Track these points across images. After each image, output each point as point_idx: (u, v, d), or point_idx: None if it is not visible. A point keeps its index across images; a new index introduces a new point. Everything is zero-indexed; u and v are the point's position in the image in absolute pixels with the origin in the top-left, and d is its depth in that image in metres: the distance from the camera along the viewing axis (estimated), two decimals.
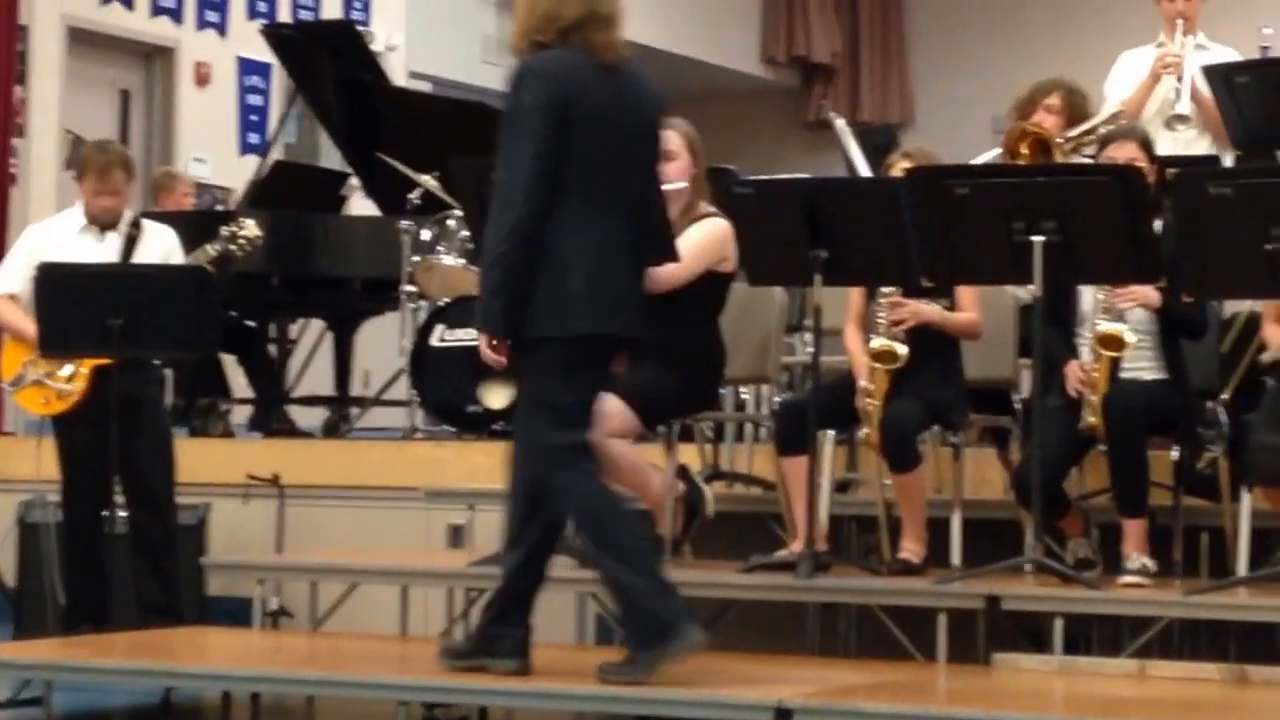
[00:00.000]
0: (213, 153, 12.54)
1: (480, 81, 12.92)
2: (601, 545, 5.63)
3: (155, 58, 12.43)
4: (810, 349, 6.88)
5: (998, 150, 8.21)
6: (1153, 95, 8.47)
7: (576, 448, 5.66)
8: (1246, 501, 6.59)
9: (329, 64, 10.38)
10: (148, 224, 8.16)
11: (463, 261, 9.09)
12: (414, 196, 9.56)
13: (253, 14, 12.72)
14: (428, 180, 9.49)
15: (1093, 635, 6.59)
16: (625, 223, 5.70)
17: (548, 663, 5.91)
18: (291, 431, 10.15)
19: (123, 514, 7.87)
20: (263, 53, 11.72)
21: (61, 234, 8.06)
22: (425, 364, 8.91)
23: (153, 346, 7.65)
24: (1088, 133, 8.00)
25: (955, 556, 6.85)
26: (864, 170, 8.96)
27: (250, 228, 8.23)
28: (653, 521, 7.25)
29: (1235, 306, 7.26)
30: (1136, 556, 6.53)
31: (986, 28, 15.33)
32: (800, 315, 8.48)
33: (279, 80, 12.40)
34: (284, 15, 12.86)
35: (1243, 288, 6.51)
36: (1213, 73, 8.06)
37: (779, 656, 6.64)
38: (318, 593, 7.29)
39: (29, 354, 7.81)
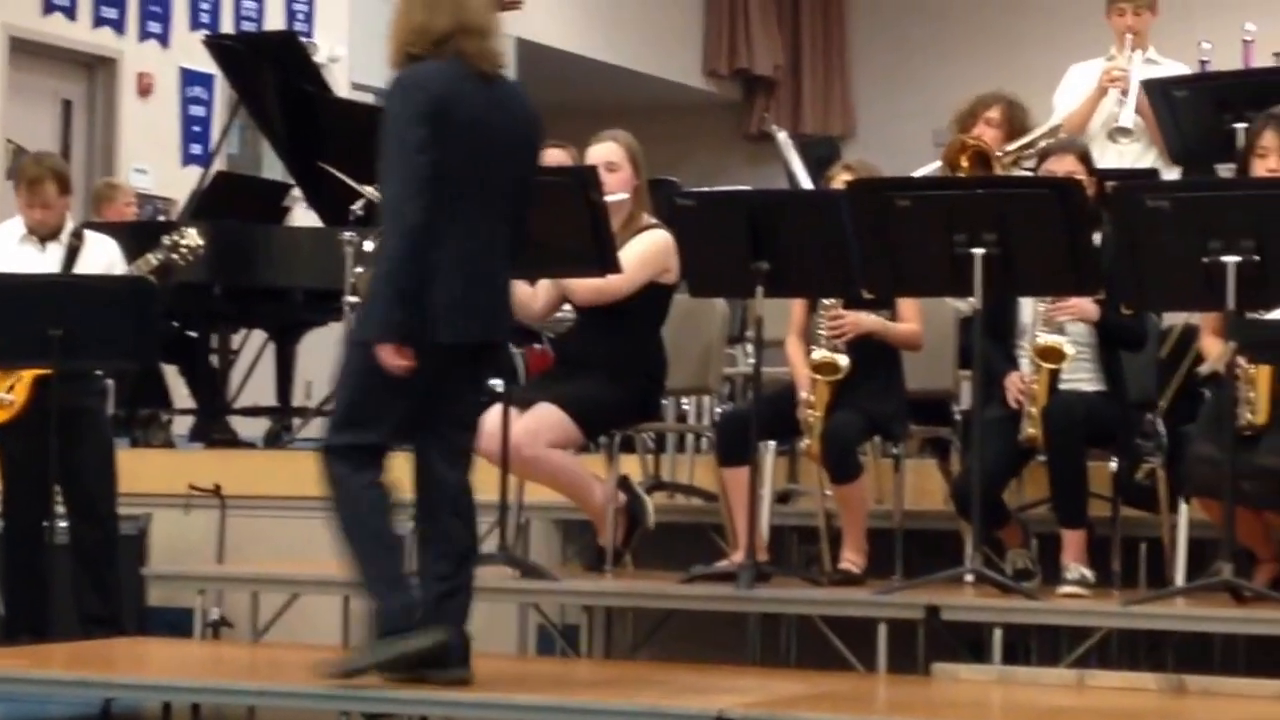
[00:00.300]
0: (155, 163, 12.50)
1: None
2: (350, 538, 5.69)
3: (97, 68, 12.39)
4: (751, 360, 6.91)
5: (938, 163, 8.26)
6: (1099, 109, 8.53)
7: (367, 448, 5.69)
8: (1184, 512, 6.63)
9: (272, 75, 10.36)
10: (89, 235, 8.14)
11: None
12: (357, 207, 9.54)
13: (195, 25, 12.69)
14: (370, 191, 9.47)
15: (1031, 645, 6.62)
16: (498, 231, 5.72)
17: (489, 672, 5.91)
18: (233, 442, 10.12)
19: (63, 524, 7.84)
20: (205, 63, 11.69)
21: (2, 244, 8.03)
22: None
23: (94, 357, 7.62)
24: (1028, 146, 8.06)
25: (895, 567, 6.88)
26: (805, 182, 8.99)
27: (192, 237, 8.22)
28: (595, 532, 7.28)
29: (1173, 318, 7.31)
30: (1075, 567, 6.58)
31: (928, 42, 15.39)
32: (742, 326, 8.51)
33: (221, 91, 12.37)
34: (226, 26, 12.83)
35: (1180, 300, 6.56)
36: (1151, 87, 8.12)
37: (720, 666, 6.65)
38: (259, 603, 7.27)
39: None
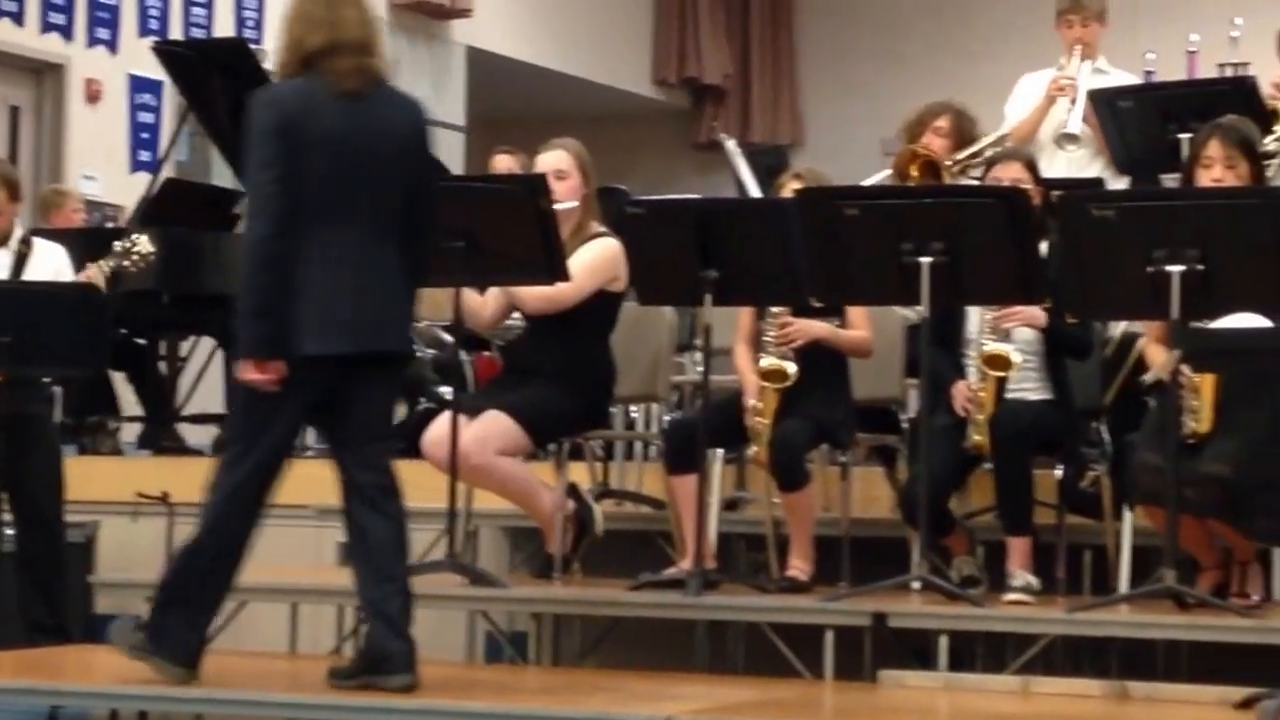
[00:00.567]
0: (103, 170, 12.45)
1: None
2: (199, 546, 5.76)
3: (45, 74, 12.34)
4: (700, 368, 6.92)
5: (888, 172, 8.30)
6: (1048, 118, 8.58)
7: (253, 464, 5.74)
8: (1128, 520, 6.68)
9: (221, 82, 10.33)
10: (38, 241, 8.12)
11: None
12: None
13: (144, 31, 12.65)
14: None
15: (977, 652, 6.66)
16: (379, 245, 5.74)
17: (438, 679, 5.92)
18: (181, 449, 10.10)
19: (10, 532, 7.82)
20: (154, 70, 11.65)
21: None
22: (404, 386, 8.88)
23: (42, 364, 7.60)
24: (975, 155, 8.11)
25: (842, 574, 6.91)
26: (754, 191, 9.03)
27: (144, 244, 8.21)
28: (543, 539, 7.29)
29: (1119, 327, 7.35)
30: (1021, 574, 6.61)
31: (876, 51, 15.45)
32: (690, 334, 8.54)
33: (170, 98, 12.33)
34: (176, 33, 12.79)
35: (1126, 309, 6.61)
36: (1097, 97, 8.17)
37: (667, 673, 6.67)
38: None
39: None
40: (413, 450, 7.50)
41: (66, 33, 12.33)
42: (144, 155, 12.66)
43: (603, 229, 7.19)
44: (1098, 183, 8.18)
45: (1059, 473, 6.86)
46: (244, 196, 10.74)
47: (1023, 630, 6.37)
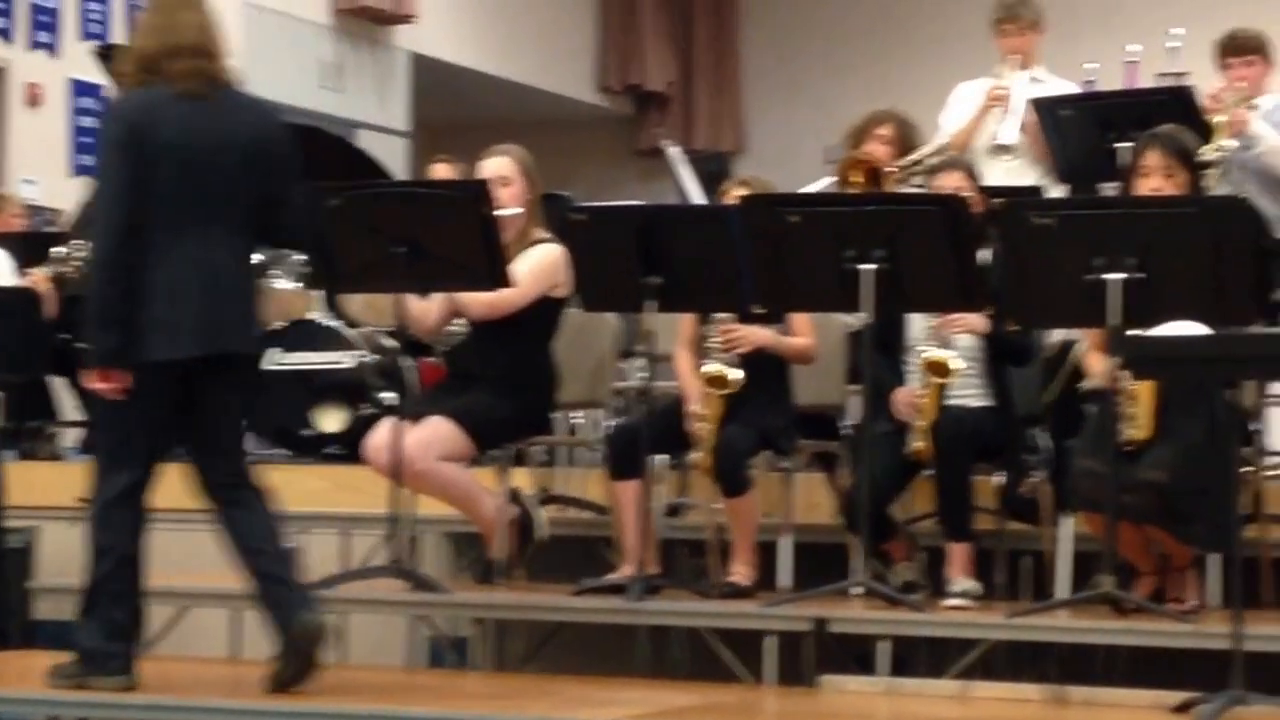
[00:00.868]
0: (43, 174, 12.38)
1: (316, 106, 12.89)
2: (96, 557, 5.81)
3: None
4: (643, 374, 6.94)
5: (831, 179, 8.33)
6: (983, 127, 8.63)
7: (121, 473, 5.80)
8: (1067, 526, 6.73)
9: None
10: None
11: (298, 285, 9.07)
12: None
13: (86, 35, 12.59)
14: None
15: (918, 657, 6.69)
16: (230, 246, 5.77)
17: (379, 684, 5.92)
18: None
19: None
20: (95, 74, 11.62)
21: None
22: (258, 387, 8.87)
23: None
24: (916, 163, 8.15)
25: (784, 580, 6.94)
26: (696, 198, 9.05)
27: (84, 249, 8.18)
28: (485, 545, 7.29)
29: (1059, 334, 7.40)
30: (961, 580, 6.65)
31: (818, 59, 15.49)
32: (633, 341, 8.54)
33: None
34: (118, 37, 12.74)
35: (1066, 316, 6.64)
36: (1039, 106, 8.22)
37: (609, 678, 6.68)
38: (147, 616, 7.23)
39: None
40: (355, 456, 7.51)
41: (7, 35, 12.27)
42: (84, 159, 12.60)
43: (546, 235, 7.20)
44: (1037, 191, 8.23)
45: (999, 479, 6.90)
46: None
47: (963, 635, 6.41)
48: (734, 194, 7.05)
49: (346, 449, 8.44)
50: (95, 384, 5.70)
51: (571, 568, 7.24)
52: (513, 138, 7.48)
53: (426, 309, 7.24)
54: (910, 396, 6.73)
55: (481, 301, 7.07)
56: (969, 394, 6.81)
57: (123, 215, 5.65)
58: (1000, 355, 6.86)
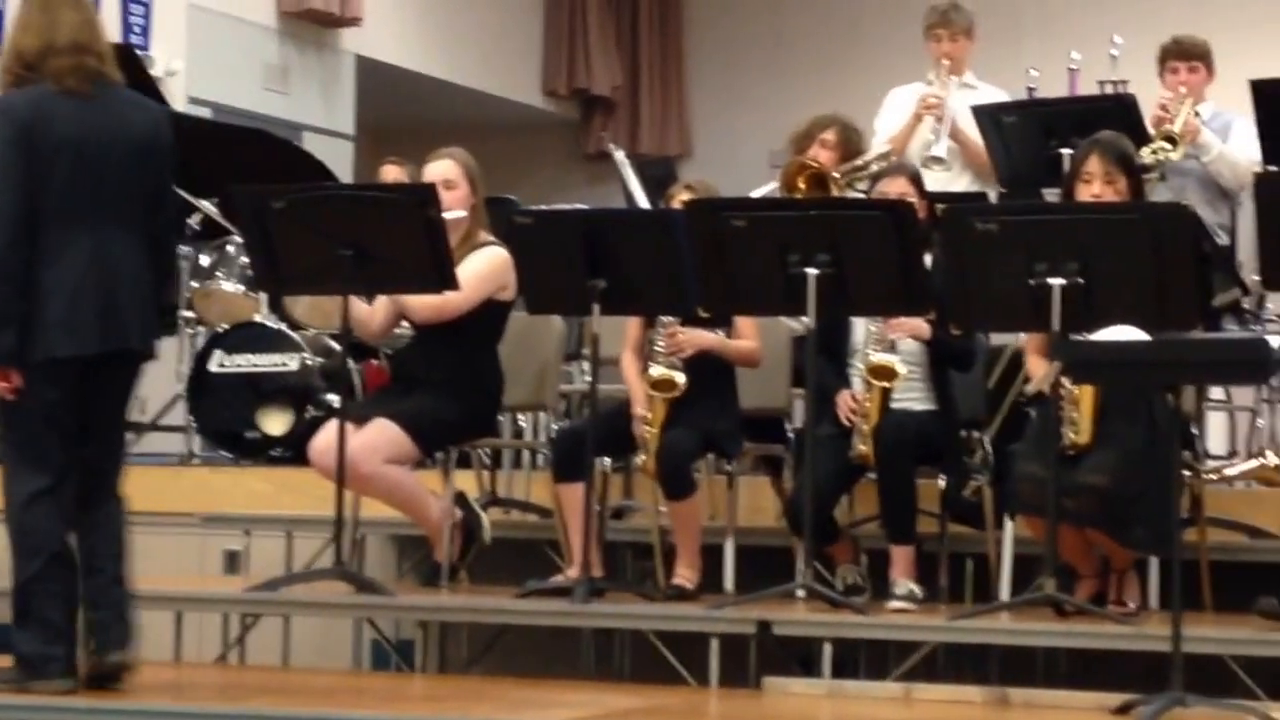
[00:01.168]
0: None
1: (261, 108, 12.86)
2: (22, 560, 5.74)
3: None
4: (588, 377, 6.95)
5: (775, 184, 8.35)
6: (916, 134, 8.65)
7: (31, 473, 5.74)
8: (1009, 529, 6.76)
9: None
10: None
11: (242, 288, 9.06)
12: (193, 222, 9.51)
13: None
14: (207, 205, 9.45)
15: (861, 659, 6.72)
16: (124, 241, 5.77)
17: (324, 688, 5.92)
18: None
19: None
20: None
21: None
22: (203, 390, 8.87)
23: None
24: (860, 168, 8.18)
25: (728, 582, 6.95)
26: (642, 202, 9.07)
27: None
28: (430, 547, 7.30)
29: (1004, 339, 7.44)
30: (904, 582, 6.68)
31: (763, 64, 15.52)
32: (578, 344, 8.57)
33: None
34: None
35: (1008, 321, 6.69)
36: (981, 112, 8.25)
37: (554, 681, 6.69)
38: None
39: None
40: (300, 458, 7.50)
41: None
42: None
43: (491, 238, 7.21)
44: (981, 196, 8.27)
45: (942, 482, 6.93)
46: None
47: (905, 638, 6.44)
48: (679, 198, 7.07)
49: (291, 451, 8.43)
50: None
51: (516, 570, 7.25)
52: (459, 141, 7.49)
53: (371, 312, 7.24)
54: (854, 400, 6.76)
55: (427, 305, 7.08)
56: (912, 398, 6.85)
57: (14, 213, 5.63)
58: (943, 360, 6.90)
